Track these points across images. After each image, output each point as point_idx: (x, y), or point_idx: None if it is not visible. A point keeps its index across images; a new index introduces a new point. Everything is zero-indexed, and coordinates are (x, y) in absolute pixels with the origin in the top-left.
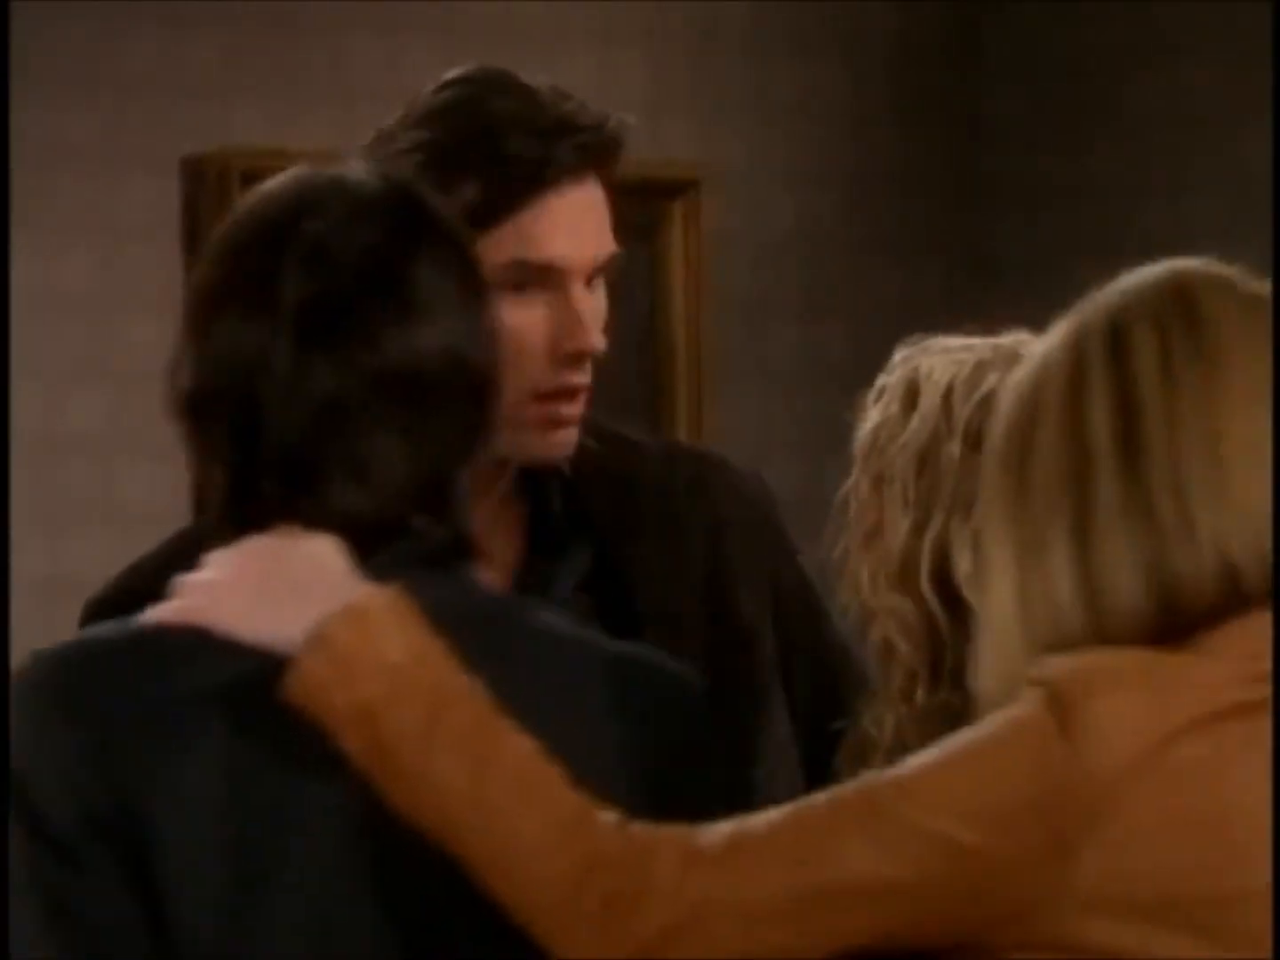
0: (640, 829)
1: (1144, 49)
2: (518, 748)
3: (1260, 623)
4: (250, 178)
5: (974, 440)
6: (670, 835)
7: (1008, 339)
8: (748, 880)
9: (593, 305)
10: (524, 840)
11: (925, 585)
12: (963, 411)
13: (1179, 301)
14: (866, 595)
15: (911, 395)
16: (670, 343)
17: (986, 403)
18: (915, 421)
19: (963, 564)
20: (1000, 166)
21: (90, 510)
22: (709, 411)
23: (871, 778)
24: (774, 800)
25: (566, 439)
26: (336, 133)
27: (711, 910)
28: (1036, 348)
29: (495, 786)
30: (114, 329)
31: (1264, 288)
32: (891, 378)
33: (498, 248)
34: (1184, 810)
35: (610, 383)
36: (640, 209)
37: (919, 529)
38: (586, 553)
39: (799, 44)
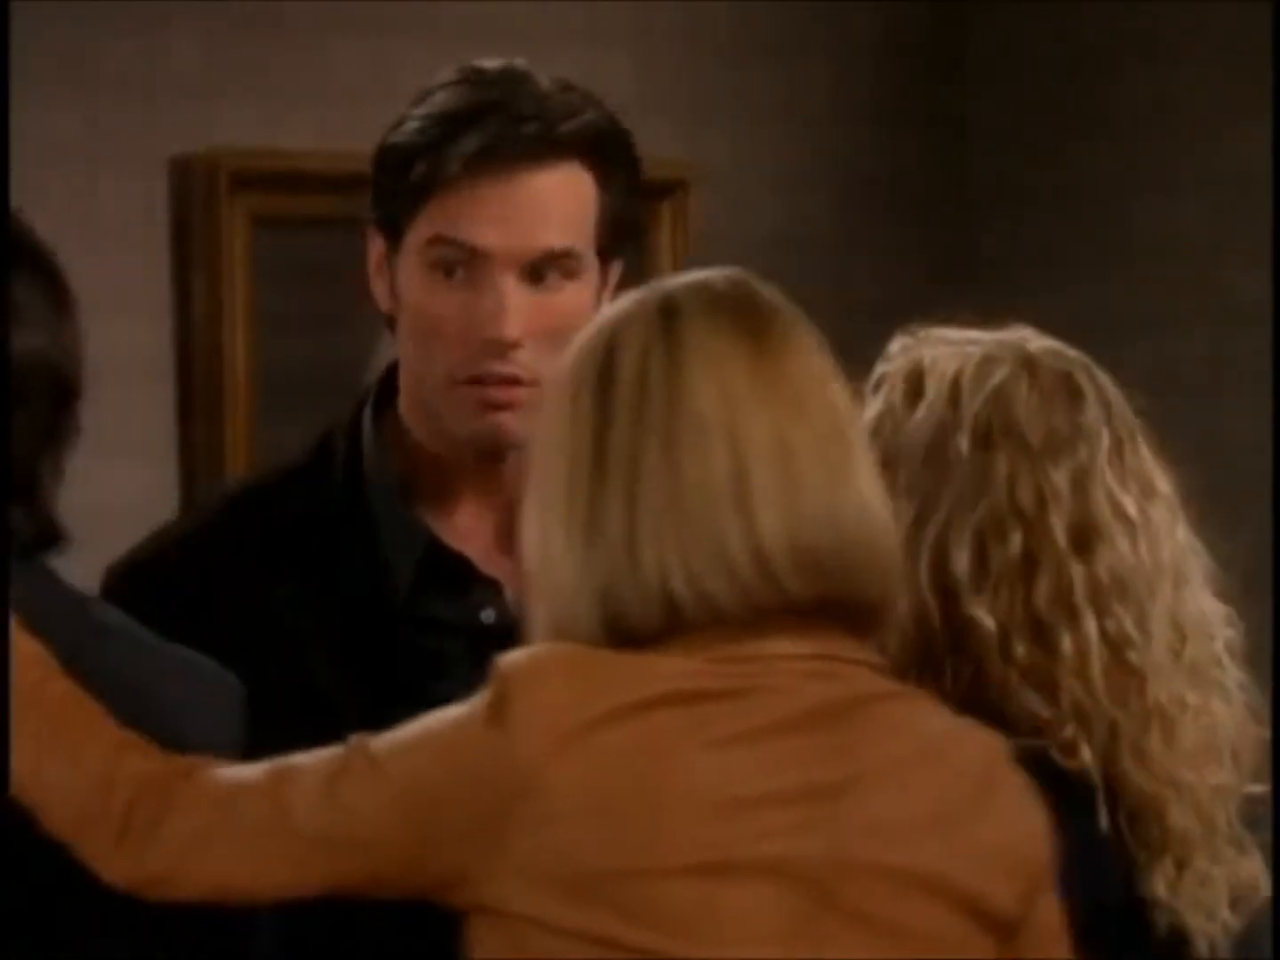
0: (179, 759)
1: (1129, 51)
2: (63, 693)
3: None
4: (239, 178)
5: (982, 435)
6: (201, 767)
7: (1012, 333)
8: (243, 817)
9: (526, 296)
10: (69, 767)
11: (923, 577)
12: (972, 405)
13: (662, 317)
14: None
15: (915, 385)
16: None
17: (996, 397)
18: (921, 411)
19: (961, 560)
20: (985, 168)
21: (77, 512)
22: None
23: (361, 740)
24: None
25: (501, 423)
26: (324, 133)
27: (214, 839)
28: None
29: (52, 731)
30: (100, 329)
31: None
32: (891, 367)
33: (430, 223)
34: (608, 791)
35: None
36: None
37: (921, 520)
38: None
39: (785, 45)
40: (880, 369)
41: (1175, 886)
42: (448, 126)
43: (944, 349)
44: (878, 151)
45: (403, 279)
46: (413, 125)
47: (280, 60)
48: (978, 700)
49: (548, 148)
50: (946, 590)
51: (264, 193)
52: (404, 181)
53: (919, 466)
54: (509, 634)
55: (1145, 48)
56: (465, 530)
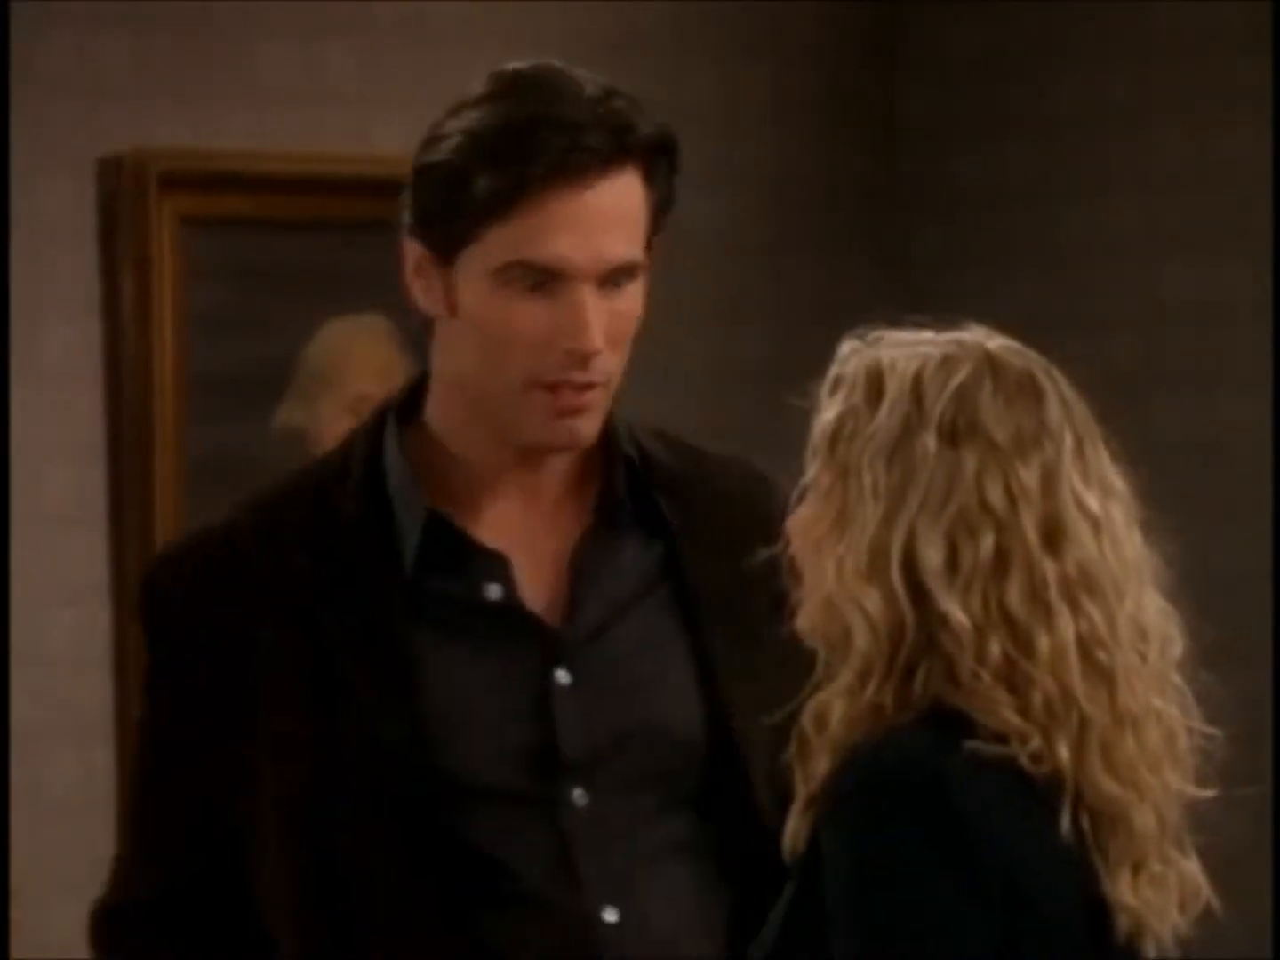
0: None
1: (1060, 52)
2: None
3: None
4: (168, 178)
5: (949, 434)
6: None
7: (969, 333)
8: None
9: (602, 304)
10: None
11: (895, 577)
12: (936, 403)
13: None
14: (831, 586)
15: (875, 386)
16: None
17: (961, 395)
18: (883, 412)
19: (933, 558)
20: (917, 168)
21: (10, 511)
22: (624, 412)
23: None
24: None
25: (574, 426)
26: (253, 133)
27: None
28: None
29: None
30: (29, 330)
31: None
32: (846, 369)
33: (503, 246)
34: None
35: None
36: None
37: (889, 520)
38: (649, 545)
39: (720, 46)
40: (835, 371)
41: (1135, 889)
42: (508, 142)
43: (901, 349)
44: (812, 152)
45: (467, 294)
46: (462, 140)
47: (209, 61)
48: (944, 703)
49: (612, 158)
50: (918, 589)
51: (193, 193)
52: (464, 200)
53: (884, 466)
54: (516, 612)
55: (1075, 49)
56: (479, 515)
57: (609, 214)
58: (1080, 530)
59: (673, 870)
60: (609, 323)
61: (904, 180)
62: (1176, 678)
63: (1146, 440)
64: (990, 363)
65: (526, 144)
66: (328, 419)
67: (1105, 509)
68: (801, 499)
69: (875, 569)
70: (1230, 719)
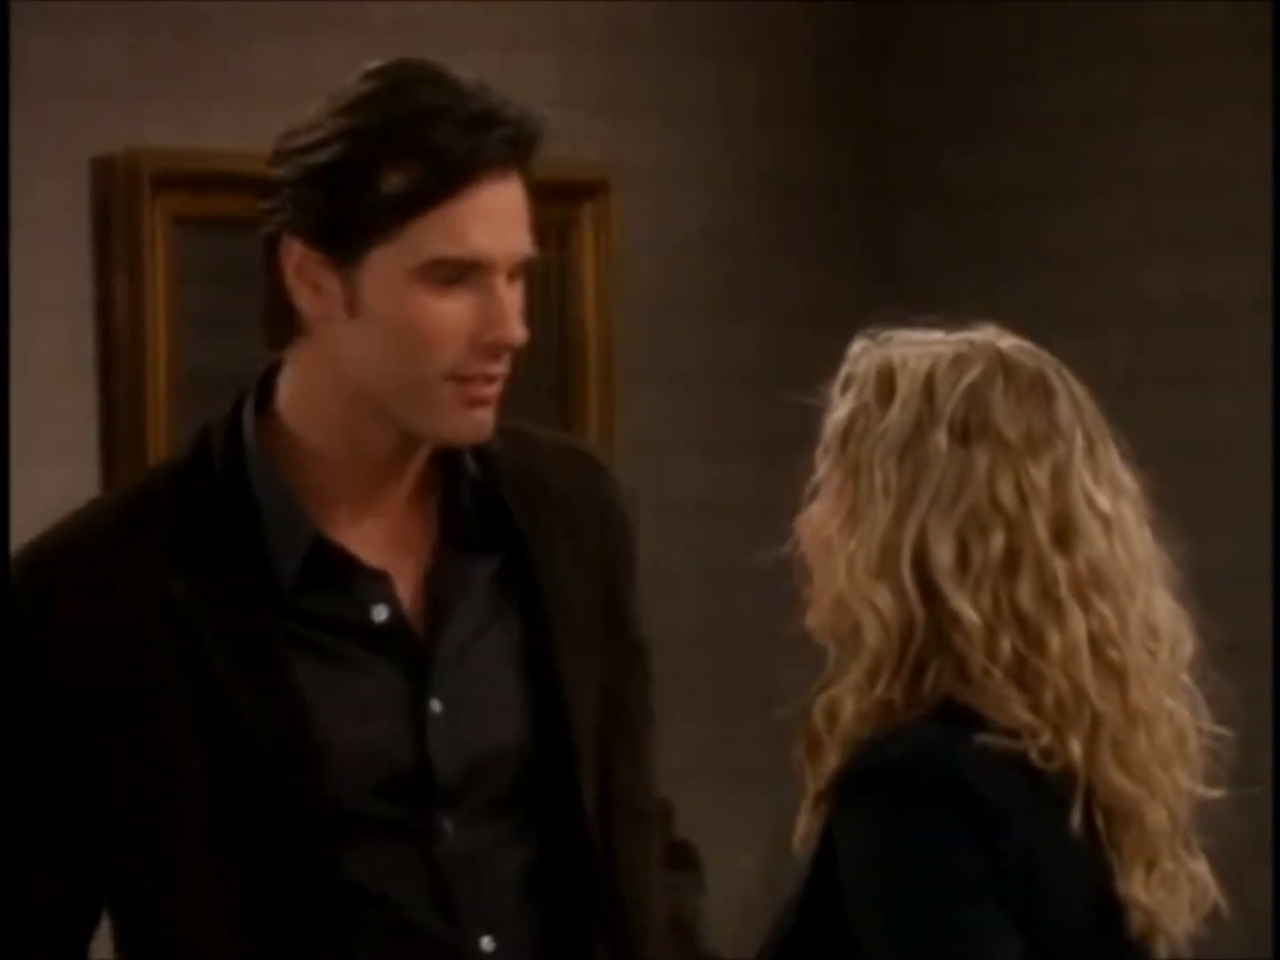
0: None
1: (1052, 52)
2: None
3: None
4: (161, 179)
5: (960, 432)
6: None
7: (979, 332)
8: None
9: (515, 299)
10: None
11: (906, 574)
12: (948, 402)
13: None
14: (842, 584)
15: (887, 384)
16: (582, 344)
17: (972, 394)
18: (894, 410)
19: (943, 556)
20: (910, 169)
21: (9, 511)
22: (620, 413)
23: None
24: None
25: (482, 419)
26: (246, 134)
27: None
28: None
29: None
30: (22, 330)
31: None
32: (858, 367)
33: (424, 242)
34: None
35: (521, 383)
36: (551, 210)
37: (900, 518)
38: (496, 553)
39: (710, 45)
40: (846, 369)
41: (1148, 887)
42: (418, 137)
43: (912, 348)
44: (803, 153)
45: (376, 294)
46: (359, 139)
47: (202, 61)
48: (953, 700)
49: (517, 151)
50: (928, 587)
51: (186, 193)
52: (373, 199)
53: (895, 464)
54: (404, 633)
55: (1069, 50)
56: (354, 529)
57: (514, 207)
58: (1091, 529)
59: (536, 896)
60: (519, 313)
61: (898, 180)
62: (1186, 678)
63: (1140, 439)
64: (1002, 362)
65: (438, 138)
66: None
67: (1116, 508)
68: (813, 496)
69: (886, 567)
70: (1231, 719)
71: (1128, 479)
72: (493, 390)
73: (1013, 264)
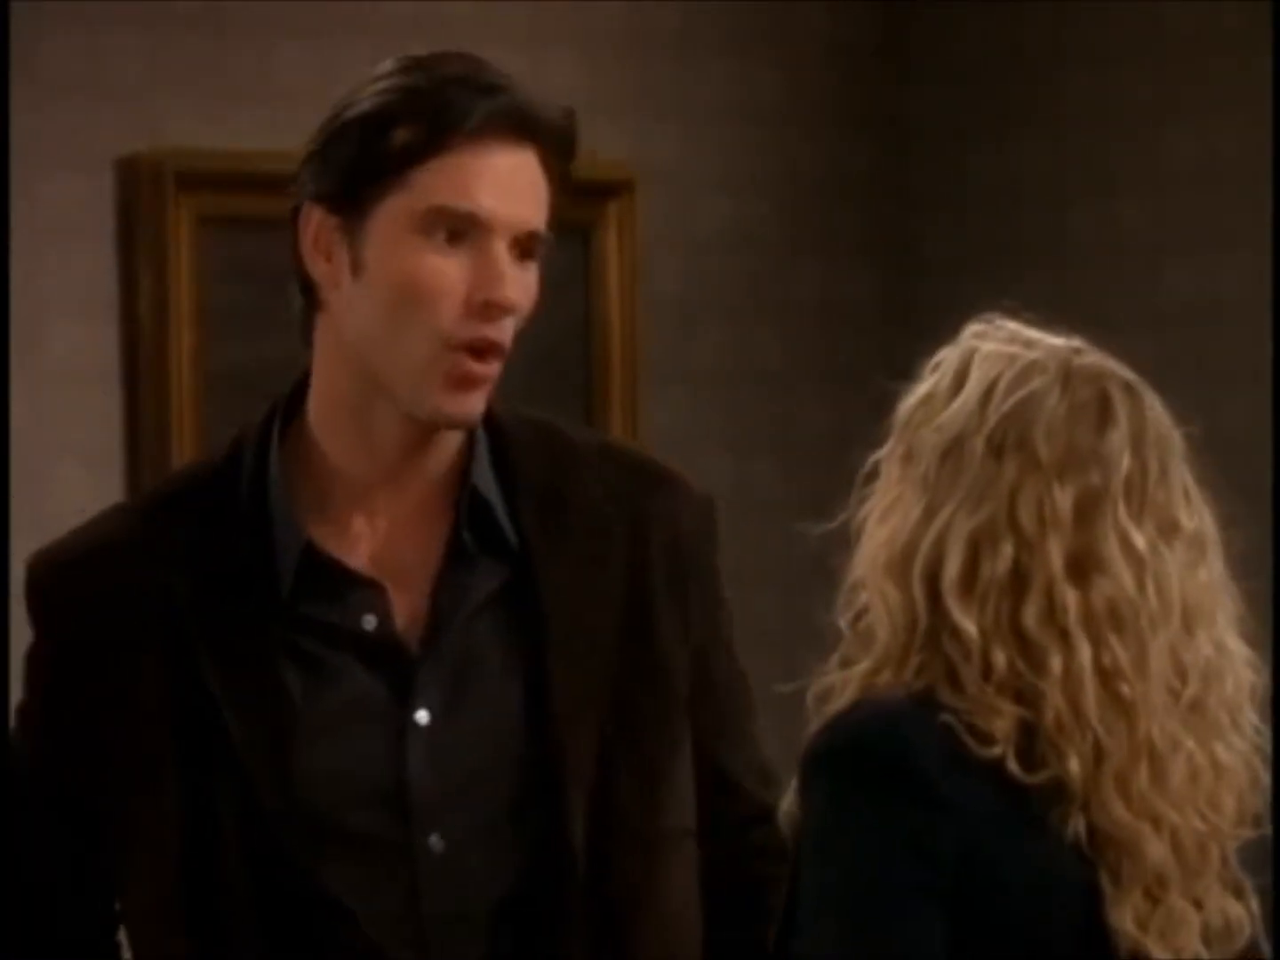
0: None
1: (1071, 50)
2: None
3: None
4: (185, 178)
5: (997, 443)
6: None
7: (1068, 342)
8: None
9: (515, 268)
10: None
11: (916, 577)
12: (997, 411)
13: None
14: (864, 572)
15: (960, 378)
16: (605, 342)
17: (1023, 406)
18: (954, 407)
19: (953, 565)
20: (930, 168)
21: (19, 513)
22: (642, 411)
23: None
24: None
25: (474, 402)
26: (269, 133)
27: None
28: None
29: None
30: (47, 331)
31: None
32: (953, 352)
33: (427, 192)
34: None
35: (545, 382)
36: (575, 210)
37: (928, 515)
38: (502, 567)
39: (732, 45)
40: (944, 351)
41: (1145, 921)
42: (432, 96)
43: (999, 346)
44: (824, 151)
45: (379, 248)
46: (381, 99)
47: (225, 60)
48: (936, 695)
49: (523, 129)
50: (935, 595)
51: (210, 193)
52: (386, 146)
53: (938, 461)
54: (393, 643)
55: (1086, 48)
56: (355, 538)
57: (522, 179)
58: (1118, 567)
59: (516, 920)
60: (518, 288)
61: (919, 179)
62: (1231, 717)
63: None
64: (1065, 376)
65: (451, 97)
66: None
67: (1156, 549)
68: (873, 473)
69: (902, 566)
70: None
71: (1187, 515)
72: (485, 369)
73: (1031, 263)
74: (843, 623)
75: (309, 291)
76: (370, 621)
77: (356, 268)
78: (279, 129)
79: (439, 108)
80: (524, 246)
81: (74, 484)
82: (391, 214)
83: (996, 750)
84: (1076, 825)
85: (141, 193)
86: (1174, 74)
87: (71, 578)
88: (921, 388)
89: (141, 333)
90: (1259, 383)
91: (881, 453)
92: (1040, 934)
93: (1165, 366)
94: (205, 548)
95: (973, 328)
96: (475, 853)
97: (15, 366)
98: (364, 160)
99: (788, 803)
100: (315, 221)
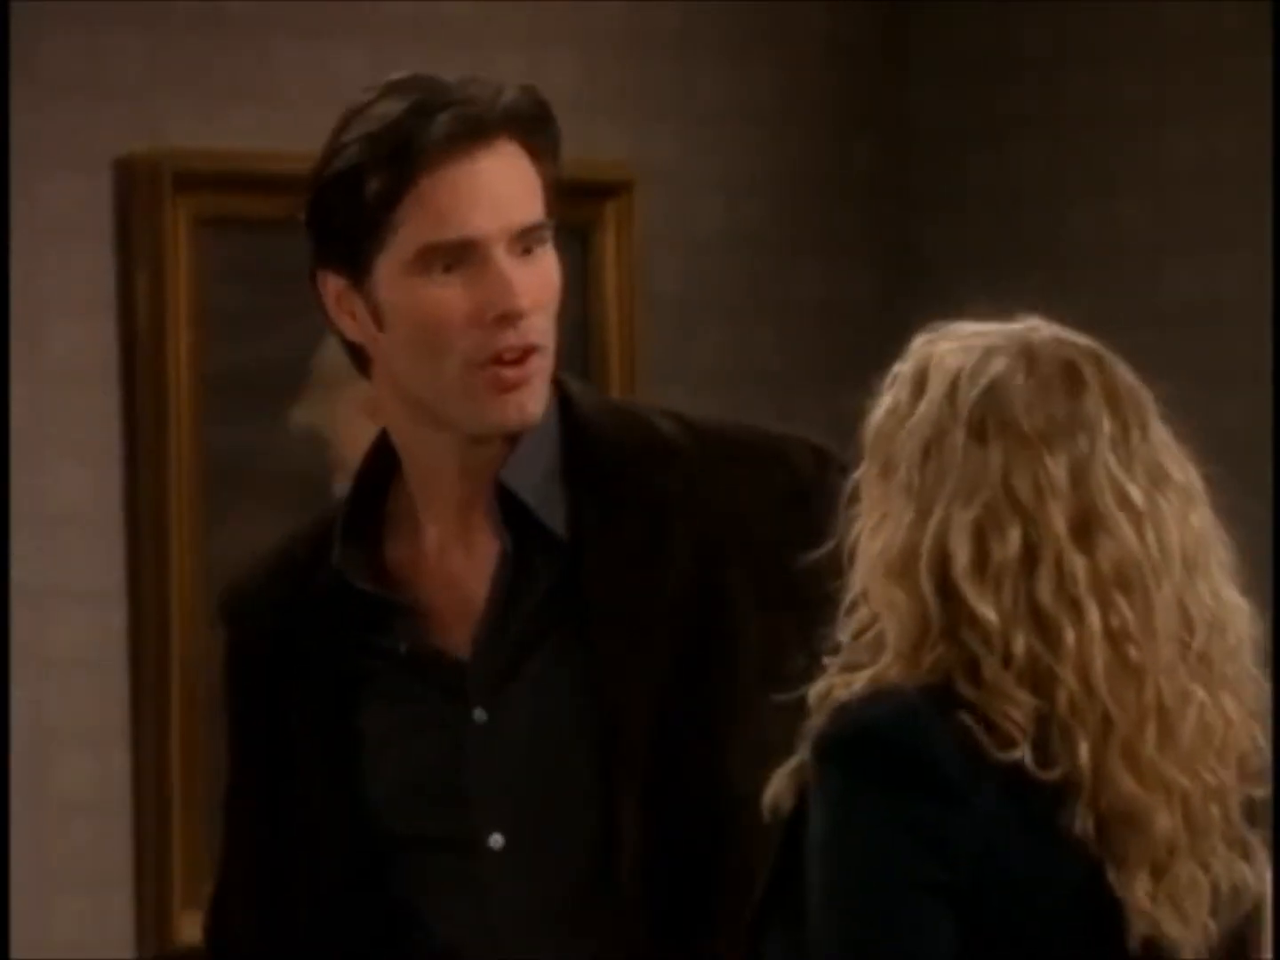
0: None
1: (1071, 51)
2: None
3: None
4: (182, 179)
5: (978, 430)
6: None
7: (1021, 324)
8: None
9: (520, 268)
10: None
11: (923, 576)
12: (968, 399)
13: None
14: (867, 584)
15: (920, 382)
16: (604, 343)
17: (992, 390)
18: (922, 408)
19: (961, 556)
20: (929, 169)
21: (22, 514)
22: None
23: None
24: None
25: (519, 402)
26: (267, 133)
27: None
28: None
29: None
30: (44, 331)
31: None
32: (906, 365)
33: (409, 234)
34: None
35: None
36: (573, 210)
37: (921, 517)
38: (555, 563)
39: (731, 45)
40: (896, 367)
41: (1154, 893)
42: (386, 138)
43: (952, 344)
44: (823, 152)
45: (389, 298)
46: (344, 157)
47: (223, 61)
48: (954, 687)
49: (486, 127)
50: (948, 588)
51: (207, 193)
52: (362, 204)
53: (918, 463)
54: (433, 652)
55: (1087, 49)
56: (405, 560)
57: (499, 179)
58: (1118, 522)
59: (583, 916)
60: (533, 288)
61: (918, 180)
62: (1237, 668)
63: None
64: (1027, 353)
65: (405, 130)
66: (343, 419)
67: (1152, 498)
68: (854, 495)
69: (906, 570)
70: None
71: (1177, 467)
72: (523, 371)
73: (1031, 263)
74: (844, 638)
75: (353, 350)
76: (402, 645)
77: (378, 320)
78: (277, 129)
79: (396, 146)
80: (524, 242)
81: (73, 483)
82: (388, 263)
83: (1016, 754)
84: (1086, 822)
85: (138, 193)
86: (1174, 74)
87: (232, 611)
88: (883, 402)
89: (139, 333)
90: (1259, 383)
91: (858, 474)
92: (1051, 932)
93: (1165, 366)
94: (311, 582)
95: (919, 338)
96: (536, 848)
97: (15, 366)
98: (349, 220)
99: (772, 792)
100: (330, 287)
